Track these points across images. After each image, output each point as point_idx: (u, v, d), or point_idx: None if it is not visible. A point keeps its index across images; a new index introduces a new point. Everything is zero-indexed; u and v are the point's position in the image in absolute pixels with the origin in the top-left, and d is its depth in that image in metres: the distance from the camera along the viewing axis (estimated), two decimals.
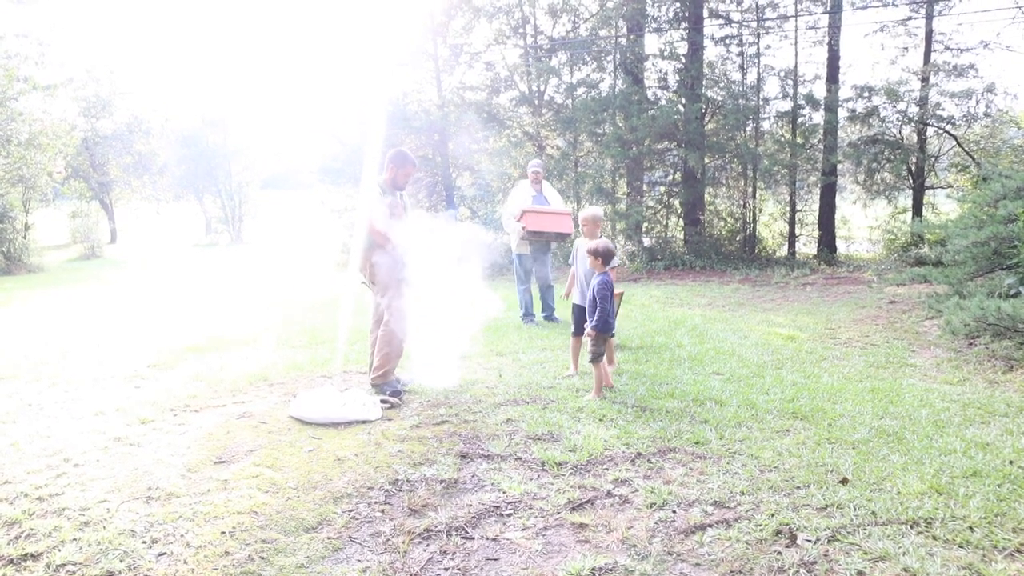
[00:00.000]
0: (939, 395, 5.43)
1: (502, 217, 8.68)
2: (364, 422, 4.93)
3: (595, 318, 5.43)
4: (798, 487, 3.73)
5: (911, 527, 3.27)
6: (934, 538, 3.18)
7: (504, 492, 3.81)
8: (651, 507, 3.57)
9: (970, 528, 3.25)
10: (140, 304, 11.79)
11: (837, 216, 17.00)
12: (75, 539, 3.27)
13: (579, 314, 6.26)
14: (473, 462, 4.24)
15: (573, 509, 3.59)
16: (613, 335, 5.59)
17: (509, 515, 3.56)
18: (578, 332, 6.23)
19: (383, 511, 3.62)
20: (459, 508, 3.65)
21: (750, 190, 17.26)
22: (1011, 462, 4.01)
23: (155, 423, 5.00)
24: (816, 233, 16.86)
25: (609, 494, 3.75)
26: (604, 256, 5.57)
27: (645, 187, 18.40)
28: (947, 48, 15.73)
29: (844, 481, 3.76)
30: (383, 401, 5.26)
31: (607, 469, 4.07)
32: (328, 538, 3.31)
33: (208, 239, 33.29)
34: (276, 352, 7.37)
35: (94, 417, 5.17)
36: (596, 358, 5.43)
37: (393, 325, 5.60)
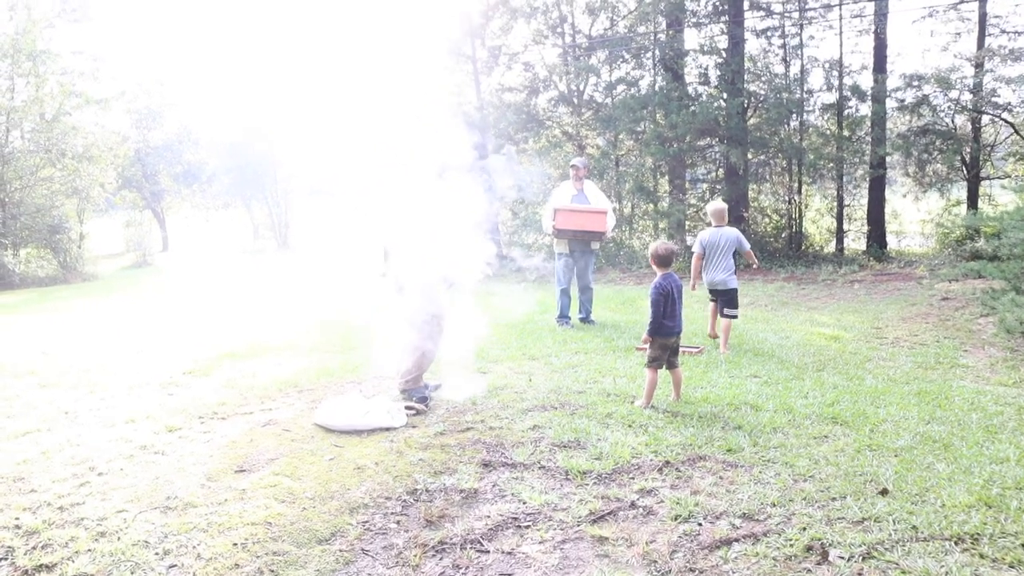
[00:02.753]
0: (992, 398, 5.13)
1: (542, 218, 8.57)
2: (388, 429, 4.86)
3: (649, 321, 5.26)
4: (834, 498, 3.53)
5: (956, 543, 3.06)
6: (981, 556, 2.96)
7: (524, 503, 3.69)
8: (676, 519, 3.42)
9: (1022, 546, 3.02)
10: (184, 311, 11.98)
11: (887, 210, 16.43)
12: (90, 550, 3.26)
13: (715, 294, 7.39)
14: (495, 471, 4.13)
15: (594, 521, 3.46)
16: (677, 337, 5.31)
17: (527, 527, 3.45)
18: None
19: (398, 522, 3.54)
20: (476, 519, 3.54)
21: (795, 185, 16.79)
22: None
23: (182, 431, 5.01)
24: (865, 228, 16.31)
25: (633, 505, 3.61)
26: (661, 259, 5.35)
27: (687, 185, 18.08)
28: (1003, 31, 15.05)
29: (884, 492, 3.54)
30: (408, 408, 5.18)
31: (633, 478, 3.92)
32: (340, 551, 3.24)
33: (256, 245, 33.88)
34: (309, 357, 7.38)
35: (124, 425, 5.20)
36: (650, 362, 5.26)
37: (423, 330, 5.53)
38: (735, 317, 7.26)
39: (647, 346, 5.29)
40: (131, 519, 3.56)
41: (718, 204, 7.43)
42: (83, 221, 22.28)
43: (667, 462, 4.10)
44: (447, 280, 5.65)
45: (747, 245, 7.37)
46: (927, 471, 3.80)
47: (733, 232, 7.24)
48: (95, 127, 22.66)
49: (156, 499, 3.80)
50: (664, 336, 5.20)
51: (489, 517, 3.56)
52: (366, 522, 3.53)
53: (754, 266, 8.03)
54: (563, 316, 8.63)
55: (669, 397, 5.32)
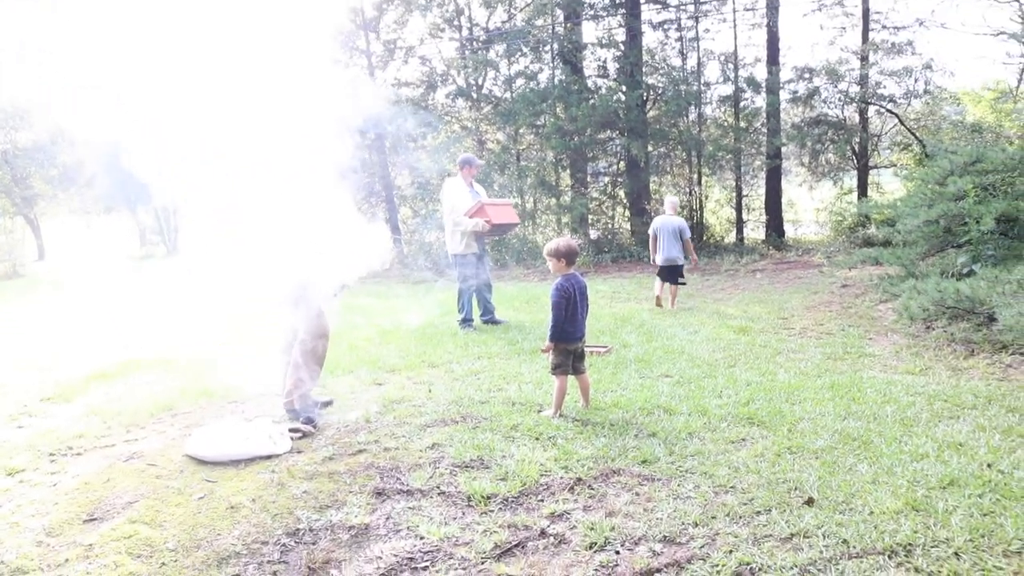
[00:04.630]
0: (903, 388, 5.03)
1: (448, 216, 7.99)
2: (270, 457, 4.31)
3: (550, 326, 4.86)
4: (758, 512, 3.25)
5: (889, 557, 2.81)
6: (916, 570, 2.72)
7: (422, 538, 3.25)
8: (590, 548, 3.05)
9: (956, 555, 2.80)
10: (55, 326, 10.89)
11: (784, 200, 16.82)
12: None
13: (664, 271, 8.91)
14: (389, 500, 3.67)
15: (500, 556, 3.05)
16: (580, 342, 4.93)
17: (425, 568, 3.01)
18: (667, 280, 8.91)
19: (275, 573, 3.04)
20: (367, 562, 3.08)
21: (695, 177, 16.96)
22: (988, 465, 3.60)
23: (25, 473, 4.30)
24: (763, 218, 16.65)
25: (543, 533, 3.22)
26: (567, 256, 4.94)
27: (589, 178, 17.99)
28: (884, 27, 15.63)
29: (809, 502, 3.29)
30: (293, 430, 4.64)
31: (542, 501, 3.54)
32: None
33: (143, 251, 31.91)
34: (187, 375, 6.68)
35: None
36: (554, 369, 4.88)
37: (309, 343, 4.99)
38: (684, 284, 9.25)
39: (549, 352, 4.94)
40: None
41: (672, 198, 9.43)
42: None
43: (579, 479, 3.74)
44: (340, 286, 5.13)
45: (687, 234, 8.99)
46: (850, 474, 3.58)
47: (678, 220, 8.98)
48: None
49: None
50: (566, 341, 4.84)
51: (381, 558, 3.10)
52: (236, 575, 3.02)
53: (691, 261, 9.24)
54: (468, 320, 8.19)
55: (578, 404, 4.98)
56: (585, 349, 5.08)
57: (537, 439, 4.37)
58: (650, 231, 9.13)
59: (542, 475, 3.83)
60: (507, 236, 14.47)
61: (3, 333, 10.48)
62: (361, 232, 4.97)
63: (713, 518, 3.22)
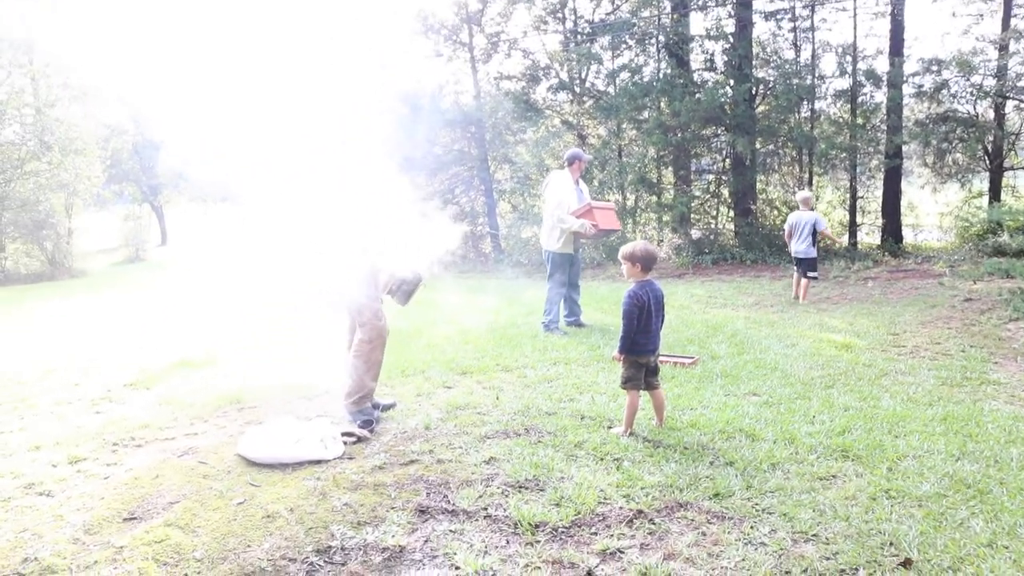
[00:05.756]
0: None
1: (552, 212, 7.65)
2: (320, 462, 4.15)
3: (620, 336, 4.49)
4: (842, 571, 2.79)
5: None
6: None
7: (457, 568, 2.97)
8: None
9: None
10: (163, 310, 11.31)
11: (903, 202, 15.56)
12: None
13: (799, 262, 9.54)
14: (432, 519, 3.41)
15: None
16: (654, 355, 4.53)
17: None
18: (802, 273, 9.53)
19: None
20: None
21: (806, 176, 15.95)
22: None
23: (85, 462, 4.32)
24: (880, 221, 15.46)
25: (589, 575, 2.88)
26: (643, 261, 4.48)
27: (692, 176, 17.26)
28: None
29: (907, 563, 2.80)
30: (347, 435, 4.47)
31: (595, 534, 3.20)
32: None
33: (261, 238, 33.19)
34: (267, 367, 6.67)
35: (26, 453, 4.52)
36: (624, 383, 4.51)
37: (366, 345, 4.81)
38: (816, 279, 9.86)
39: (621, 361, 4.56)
40: None
41: (805, 192, 9.77)
42: (71, 216, 21.66)
43: (639, 511, 3.37)
44: (399, 283, 4.92)
45: (823, 225, 9.46)
46: (960, 531, 3.06)
47: (813, 215, 9.44)
48: (83, 118, 22.01)
49: (11, 562, 3.11)
50: (637, 354, 4.44)
51: None
52: None
53: (833, 243, 10.59)
54: (554, 323, 7.84)
55: (651, 421, 4.59)
56: (659, 362, 4.66)
57: (601, 460, 4.02)
58: (785, 226, 9.81)
59: (600, 503, 3.48)
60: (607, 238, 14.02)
61: (120, 315, 10.96)
62: (422, 233, 4.75)
63: (787, 573, 2.79)
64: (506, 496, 3.61)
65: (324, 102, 4.98)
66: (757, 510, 3.34)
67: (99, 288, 15.98)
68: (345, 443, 4.38)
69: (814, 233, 9.34)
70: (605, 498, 3.54)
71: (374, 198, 4.57)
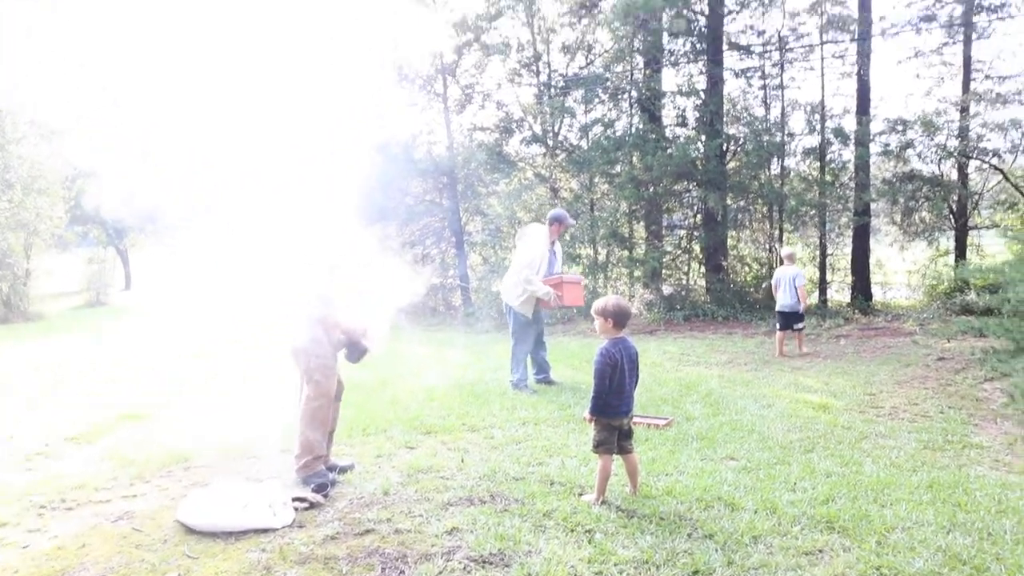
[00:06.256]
0: (1022, 493, 4.18)
1: (520, 270, 7.46)
2: (267, 531, 3.81)
3: (592, 396, 4.23)
4: None
5: None
6: None
7: None
8: None
9: None
10: (117, 356, 10.84)
11: (872, 260, 15.68)
12: None
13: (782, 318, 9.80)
14: None
15: None
16: (627, 418, 4.27)
17: None
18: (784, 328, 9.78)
19: None
20: None
21: (776, 233, 16.04)
22: None
23: (6, 528, 3.94)
24: (849, 279, 15.54)
25: None
26: (616, 317, 4.24)
27: (664, 231, 17.27)
28: (987, 76, 14.56)
29: None
30: (299, 500, 4.14)
31: None
32: None
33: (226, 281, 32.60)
34: (220, 420, 6.31)
35: None
36: (596, 447, 4.24)
37: (312, 403, 4.51)
38: (802, 329, 9.98)
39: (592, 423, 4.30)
40: None
41: (789, 248, 10.97)
42: (30, 256, 21.02)
43: None
44: (352, 345, 4.67)
45: (802, 281, 9.76)
46: None
47: (794, 269, 9.84)
48: (49, 157, 21.55)
49: None
50: (610, 416, 4.19)
51: None
52: None
53: (802, 304, 9.73)
54: (523, 381, 7.59)
55: (625, 489, 4.32)
56: (633, 423, 4.42)
57: (572, 531, 3.73)
58: (772, 281, 10.41)
59: None
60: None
61: (70, 361, 10.46)
62: (384, 283, 4.52)
63: None
64: (468, 572, 3.31)
65: (292, 144, 4.78)
66: None
67: (54, 333, 15.39)
68: (296, 509, 4.05)
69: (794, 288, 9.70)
70: (576, 575, 3.25)
71: (334, 247, 4.33)
